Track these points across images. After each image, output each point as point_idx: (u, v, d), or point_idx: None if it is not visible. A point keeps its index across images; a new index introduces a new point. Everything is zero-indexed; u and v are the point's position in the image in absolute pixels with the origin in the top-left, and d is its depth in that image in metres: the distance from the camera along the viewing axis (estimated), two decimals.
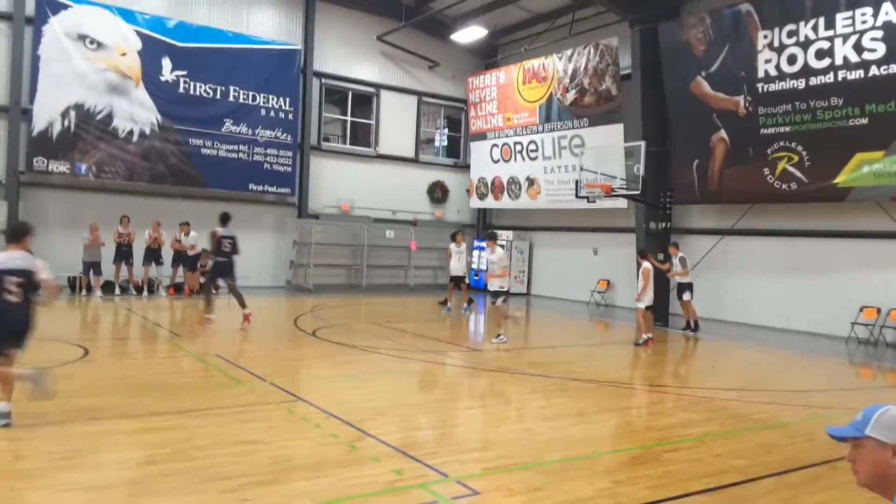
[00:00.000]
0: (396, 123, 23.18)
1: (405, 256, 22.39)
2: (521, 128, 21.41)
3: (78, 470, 4.82)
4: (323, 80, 21.68)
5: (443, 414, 7.14)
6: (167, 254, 17.40)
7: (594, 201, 16.68)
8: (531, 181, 21.11)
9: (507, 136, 22.00)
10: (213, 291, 12.92)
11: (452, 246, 16.58)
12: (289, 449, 5.49)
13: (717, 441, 6.27)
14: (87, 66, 17.30)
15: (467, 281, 17.16)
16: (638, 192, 15.47)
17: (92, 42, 17.32)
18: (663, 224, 16.38)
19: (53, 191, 17.30)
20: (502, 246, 17.25)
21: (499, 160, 22.37)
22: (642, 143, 15.56)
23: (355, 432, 5.95)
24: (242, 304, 12.35)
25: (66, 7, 17.04)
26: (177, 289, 17.57)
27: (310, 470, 4.99)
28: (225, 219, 12.76)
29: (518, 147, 21.58)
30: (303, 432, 5.99)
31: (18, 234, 6.14)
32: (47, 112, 16.80)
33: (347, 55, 22.06)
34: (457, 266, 16.43)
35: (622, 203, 17.28)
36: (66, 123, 17.02)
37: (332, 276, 21.25)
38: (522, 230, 22.73)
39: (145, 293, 16.98)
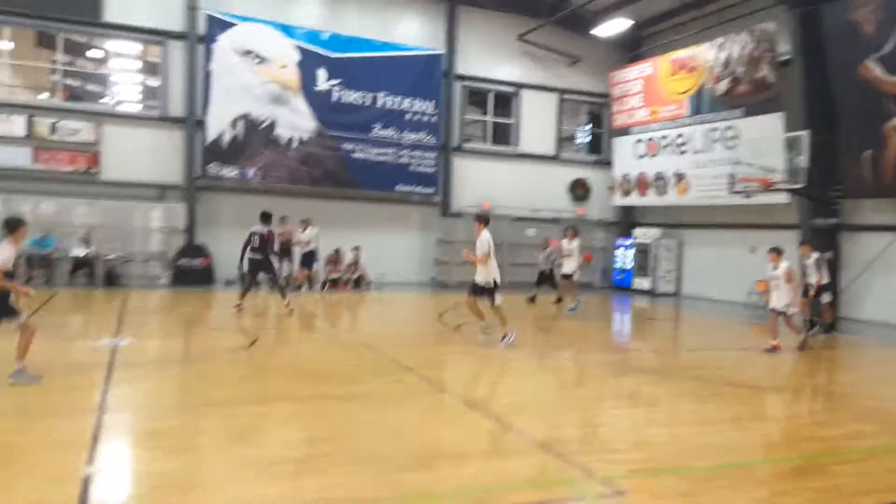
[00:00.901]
0: (537, 121, 23.14)
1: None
2: (668, 121, 20.57)
3: (249, 446, 5.30)
4: (464, 83, 22.10)
5: (587, 412, 7.08)
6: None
7: (750, 196, 15.68)
8: (679, 176, 20.22)
9: (653, 130, 21.23)
10: (252, 285, 13.62)
11: (564, 242, 15.87)
12: (437, 437, 5.71)
13: (890, 455, 5.73)
14: (253, 79, 18.82)
15: (576, 279, 16.34)
16: (801, 186, 14.36)
17: (256, 56, 18.81)
18: (831, 220, 15.09)
19: (225, 194, 18.98)
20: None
21: (644, 155, 21.63)
22: (805, 133, 14.42)
23: (499, 425, 6.07)
24: (282, 296, 13.09)
25: (232, 25, 18.65)
26: (332, 283, 18.63)
27: (457, 458, 5.16)
28: (263, 217, 13.49)
29: (665, 141, 20.75)
30: (450, 422, 6.20)
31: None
32: (219, 122, 18.49)
33: (489, 57, 22.32)
34: (569, 263, 15.73)
35: (782, 198, 16.11)
36: (235, 132, 18.65)
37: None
38: (670, 228, 21.84)
39: (305, 288, 18.19)
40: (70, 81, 19.46)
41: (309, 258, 17.68)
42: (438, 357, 9.90)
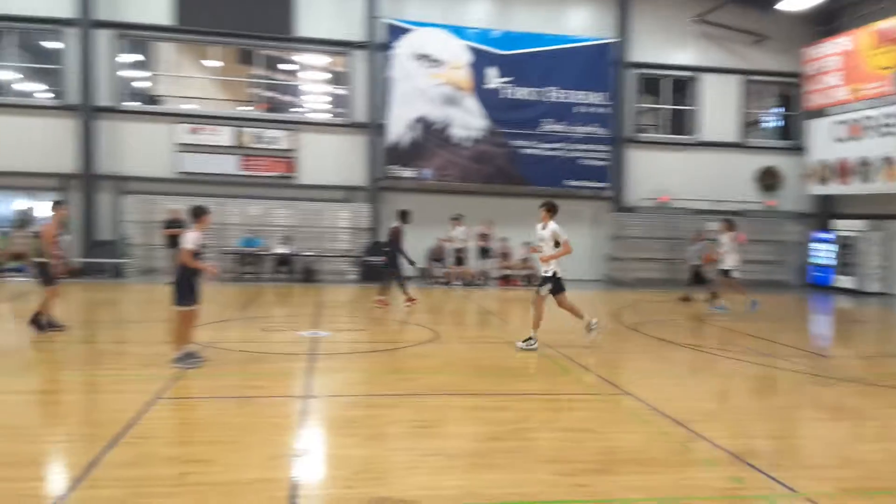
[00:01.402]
0: (718, 106, 21.78)
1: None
2: (873, 100, 18.41)
3: (434, 438, 5.57)
4: (638, 70, 21.33)
5: (784, 423, 6.59)
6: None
7: None
8: (889, 161, 18.04)
9: (855, 110, 19.12)
10: (393, 281, 13.77)
11: (725, 237, 14.42)
12: (618, 441, 5.62)
13: None
14: (428, 82, 19.57)
15: (736, 275, 14.86)
16: None
17: (431, 60, 19.54)
18: None
19: (404, 193, 19.93)
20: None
21: (845, 139, 19.55)
22: None
23: (685, 432, 5.84)
24: (383, 292, 13.40)
25: (409, 31, 19.50)
26: (505, 280, 18.89)
27: (640, 465, 5.05)
28: (400, 214, 13.80)
29: (869, 122, 18.60)
30: (631, 426, 6.07)
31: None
32: (398, 126, 19.47)
33: (663, 42, 21.37)
34: (728, 259, 14.30)
35: None
36: (412, 135, 19.54)
37: (650, 270, 20.86)
38: (877, 219, 19.55)
39: (477, 282, 18.64)
40: (268, 94, 21.47)
41: (461, 255, 18.11)
42: (616, 357, 9.70)
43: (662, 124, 22.34)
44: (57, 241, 9.69)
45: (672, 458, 5.22)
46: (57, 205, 10.06)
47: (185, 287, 7.57)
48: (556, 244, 9.38)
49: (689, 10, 20.88)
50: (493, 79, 19.97)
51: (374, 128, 19.67)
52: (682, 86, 21.97)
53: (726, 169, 21.59)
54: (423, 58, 19.54)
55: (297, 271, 18.67)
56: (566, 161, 20.47)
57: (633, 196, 21.19)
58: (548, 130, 20.35)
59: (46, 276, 9.60)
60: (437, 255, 18.99)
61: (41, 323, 9.51)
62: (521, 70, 20.07)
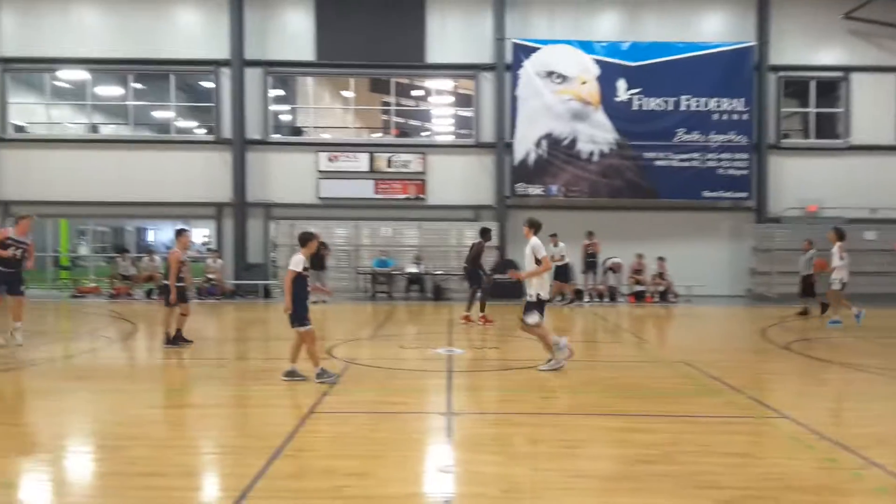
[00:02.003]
0: (873, 107, 20.11)
1: (891, 261, 19.09)
2: None
3: (582, 459, 5.46)
4: (780, 74, 20.13)
5: None
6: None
7: None
8: None
9: None
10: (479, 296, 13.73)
11: (834, 247, 13.16)
12: (782, 468, 5.25)
13: None
14: (554, 99, 19.53)
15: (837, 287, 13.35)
16: None
17: (558, 76, 19.49)
18: None
19: (531, 211, 19.84)
20: None
21: None
22: None
23: (856, 458, 5.36)
24: (480, 308, 13.40)
25: (535, 50, 19.58)
26: (637, 297, 18.31)
27: (810, 493, 4.69)
28: (481, 233, 13.75)
29: None
30: (794, 452, 5.66)
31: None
32: (524, 144, 19.55)
33: (808, 42, 20.08)
34: (837, 270, 13.06)
35: None
36: (539, 152, 19.53)
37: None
38: None
39: (606, 299, 18.22)
40: (399, 119, 22.32)
41: (563, 272, 17.68)
42: (768, 377, 9.11)
43: (809, 129, 20.88)
44: (181, 266, 10.55)
45: (844, 487, 4.82)
46: (180, 232, 10.97)
47: (300, 309, 7.79)
48: (538, 262, 8.69)
49: (835, 9, 19.50)
50: (623, 91, 19.59)
51: (500, 147, 19.85)
52: (828, 88, 20.48)
53: (882, 174, 19.82)
54: (550, 75, 19.53)
55: (428, 290, 19.11)
56: (703, 171, 19.63)
57: (777, 206, 19.91)
58: (682, 141, 19.63)
59: (169, 297, 10.49)
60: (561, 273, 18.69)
61: (172, 339, 10.44)
62: (652, 80, 19.56)
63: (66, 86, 22.46)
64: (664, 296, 18.26)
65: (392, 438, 5.93)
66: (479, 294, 13.85)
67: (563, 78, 19.53)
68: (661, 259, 18.52)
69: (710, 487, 4.76)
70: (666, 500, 4.57)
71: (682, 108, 19.68)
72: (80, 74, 21.18)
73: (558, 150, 19.58)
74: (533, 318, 8.60)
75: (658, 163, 19.63)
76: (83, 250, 25.72)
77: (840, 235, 13.33)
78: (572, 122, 19.56)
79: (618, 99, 19.61)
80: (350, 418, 6.67)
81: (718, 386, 8.04)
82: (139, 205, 20.17)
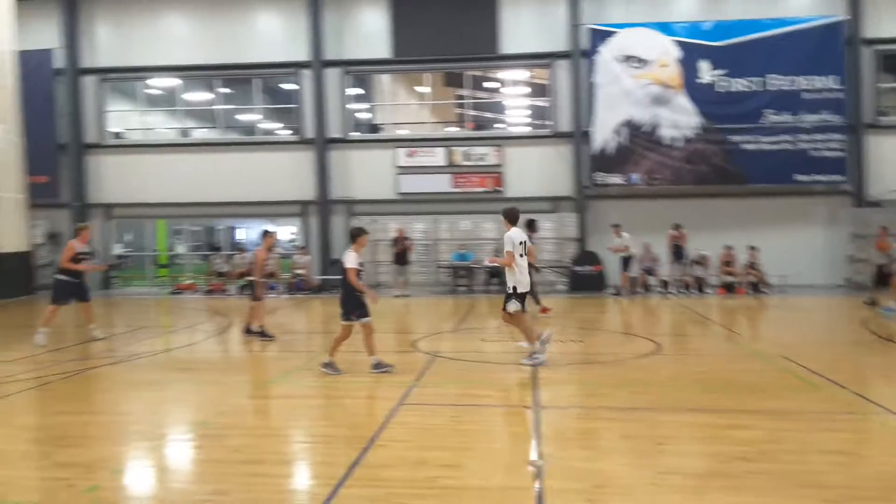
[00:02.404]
0: None
1: None
2: None
3: (673, 455, 5.33)
4: (876, 47, 18.92)
5: None
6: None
7: None
8: None
9: None
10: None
11: None
12: (890, 466, 4.98)
13: None
14: (633, 84, 19.04)
15: None
16: None
17: (636, 60, 19.00)
18: None
19: (610, 201, 19.55)
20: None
21: None
22: None
23: None
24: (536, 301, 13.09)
25: (612, 34, 19.14)
26: (728, 288, 17.65)
27: None
28: (527, 224, 13.11)
29: None
30: None
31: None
32: (603, 132, 19.16)
33: None
34: None
35: None
36: (618, 139, 19.10)
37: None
38: None
39: (693, 291, 17.67)
40: (474, 112, 22.31)
41: (626, 263, 17.27)
42: (871, 371, 8.63)
43: None
44: (267, 264, 11.28)
45: None
46: (266, 233, 11.50)
47: (351, 303, 8.10)
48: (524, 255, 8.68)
49: None
50: (706, 73, 18.88)
51: (578, 136, 19.54)
52: None
53: None
54: (629, 59, 19.05)
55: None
56: (794, 154, 18.69)
57: (876, 188, 18.75)
58: (771, 122, 18.75)
59: (254, 292, 11.12)
60: (650, 262, 18.25)
61: (253, 331, 11.09)
62: (737, 60, 18.77)
63: (158, 93, 23.66)
64: (756, 287, 17.51)
65: (480, 431, 5.99)
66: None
67: (642, 62, 19.01)
68: (752, 248, 17.76)
69: (814, 486, 4.58)
70: (767, 498, 4.42)
71: (770, 87, 18.78)
72: (171, 81, 22.25)
73: (639, 137, 19.09)
74: (512, 306, 8.59)
75: (746, 146, 18.82)
76: (180, 249, 27.08)
77: None
78: (653, 107, 19.01)
79: (700, 81, 18.91)
80: (438, 410, 6.77)
81: (818, 380, 7.67)
82: (229, 204, 21.03)
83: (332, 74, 20.48)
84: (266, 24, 20.87)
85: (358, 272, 8.19)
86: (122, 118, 22.96)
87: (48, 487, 4.73)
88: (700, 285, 17.82)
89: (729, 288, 17.61)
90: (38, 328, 10.78)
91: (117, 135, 22.28)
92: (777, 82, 18.75)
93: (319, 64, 20.21)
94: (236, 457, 5.30)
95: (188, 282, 21.33)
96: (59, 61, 20.82)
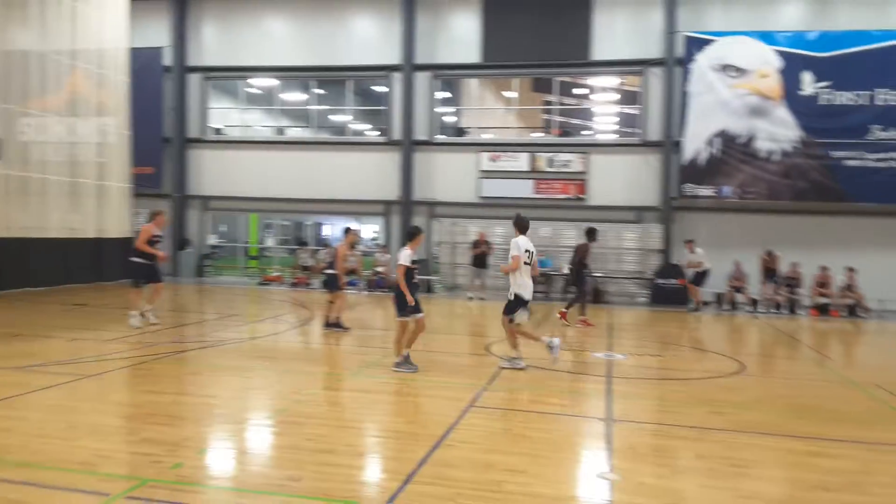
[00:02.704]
0: None
1: None
2: None
3: (752, 479, 5.12)
4: None
5: None
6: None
7: None
8: None
9: None
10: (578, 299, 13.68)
11: None
12: None
13: None
14: (730, 94, 18.37)
15: None
16: None
17: (734, 70, 18.33)
18: None
19: (700, 213, 18.93)
20: None
21: None
22: None
23: None
24: (580, 311, 13.42)
25: (710, 42, 18.53)
26: (821, 310, 16.75)
27: None
28: (587, 233, 13.54)
29: None
30: None
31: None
32: (695, 142, 18.57)
33: None
34: None
35: None
36: (711, 150, 18.48)
37: None
38: None
39: (783, 311, 16.89)
40: (560, 118, 22.11)
41: (700, 278, 16.68)
42: None
43: None
44: (346, 259, 12.07)
45: None
46: (348, 231, 12.03)
47: (404, 300, 8.30)
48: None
49: None
50: (809, 84, 17.99)
51: (668, 145, 19.04)
52: None
53: None
54: (726, 68, 18.40)
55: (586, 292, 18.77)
56: None
57: None
58: (878, 138, 17.67)
59: (334, 285, 11.74)
60: (736, 281, 17.53)
61: (333, 323, 11.68)
62: (842, 72, 17.79)
63: (257, 92, 24.73)
64: (853, 310, 16.55)
65: (549, 439, 5.95)
66: (578, 296, 13.85)
67: (740, 71, 18.31)
68: (850, 270, 16.79)
69: None
70: None
71: (878, 102, 17.70)
72: (270, 81, 23.19)
73: (733, 149, 18.39)
74: (520, 317, 8.78)
75: (849, 162, 17.80)
76: (269, 242, 28.21)
77: None
78: (749, 118, 18.27)
79: (802, 93, 18.03)
80: (508, 415, 6.78)
81: None
82: (317, 201, 21.72)
83: (421, 78, 20.79)
84: (361, 28, 21.43)
85: (410, 270, 8.41)
86: (223, 115, 24.13)
87: (136, 462, 5.04)
88: (792, 305, 17.00)
89: (822, 310, 16.71)
90: (128, 312, 11.45)
91: (217, 130, 23.42)
92: (886, 97, 17.66)
93: (410, 67, 20.57)
94: (311, 445, 5.48)
95: (275, 274, 22.17)
96: (167, 59, 22.08)
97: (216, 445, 5.67)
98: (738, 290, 17.40)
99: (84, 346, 9.73)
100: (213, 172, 22.32)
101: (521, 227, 9.09)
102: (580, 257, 13.71)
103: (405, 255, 8.43)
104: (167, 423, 5.98)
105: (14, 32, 16.65)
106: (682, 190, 18.75)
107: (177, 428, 5.88)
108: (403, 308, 8.35)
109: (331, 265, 12.16)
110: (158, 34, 22.08)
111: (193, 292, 19.15)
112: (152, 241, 11.45)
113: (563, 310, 13.69)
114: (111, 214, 19.29)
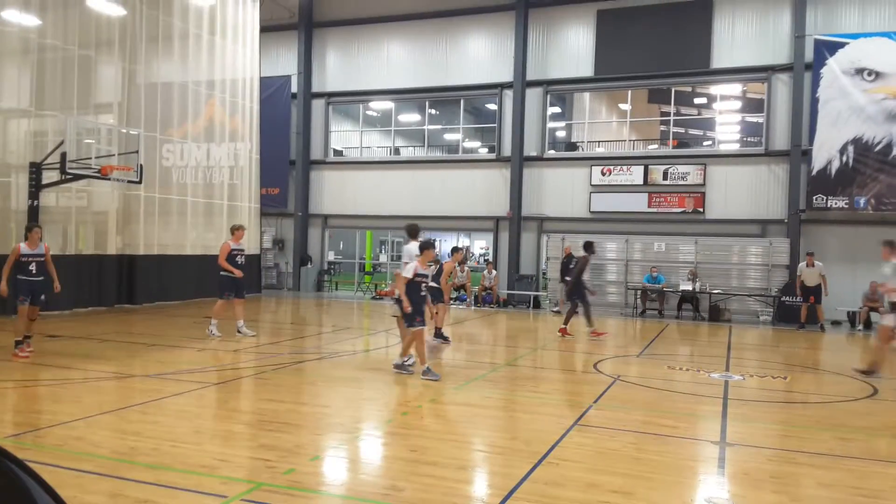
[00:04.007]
0: None
1: None
2: None
3: None
4: None
5: None
6: None
7: None
8: None
9: None
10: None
11: None
12: None
13: None
14: (865, 99, 17.09)
15: None
16: None
17: (869, 73, 17.06)
18: None
19: (830, 226, 17.67)
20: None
21: None
22: None
23: None
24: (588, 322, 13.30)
25: (842, 45, 17.34)
26: None
27: None
28: (586, 246, 13.49)
29: None
30: None
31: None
32: (825, 150, 17.40)
33: None
34: None
35: None
36: (843, 159, 17.23)
37: None
38: None
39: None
40: (677, 129, 21.40)
41: (817, 292, 15.51)
42: None
43: None
44: (454, 275, 12.43)
45: None
46: (456, 250, 12.45)
47: (412, 312, 8.66)
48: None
49: None
50: None
51: (795, 155, 17.93)
52: None
53: None
54: (860, 72, 17.14)
55: (703, 309, 17.97)
56: None
57: None
58: None
59: (438, 298, 11.96)
60: (871, 301, 16.13)
61: (441, 335, 12.11)
62: None
63: (375, 114, 25.72)
64: None
65: (659, 461, 5.75)
66: (579, 308, 13.48)
67: (877, 75, 16.96)
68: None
69: None
70: None
71: None
72: (386, 104, 24.08)
73: (868, 157, 17.04)
74: (413, 325, 8.83)
75: None
76: (383, 258, 29.10)
77: None
78: (888, 124, 16.87)
79: None
80: (616, 435, 6.62)
81: None
82: (429, 218, 22.19)
83: (532, 94, 20.84)
84: (473, 48, 21.81)
85: (413, 282, 8.72)
86: (343, 137, 25.27)
87: (253, 466, 5.35)
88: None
89: None
90: (210, 320, 12.04)
91: (338, 152, 24.54)
92: None
93: (522, 84, 20.68)
94: (415, 456, 5.61)
95: (387, 289, 22.81)
96: (294, 86, 23.45)
97: (327, 453, 5.93)
98: (874, 309, 16.00)
99: (211, 356, 10.47)
100: (332, 192, 23.38)
101: (412, 233, 10.01)
102: (580, 270, 13.47)
103: (410, 268, 8.83)
104: (283, 431, 6.32)
105: (158, 66, 18.34)
106: (811, 201, 17.57)
107: (291, 435, 6.20)
108: (413, 318, 8.72)
109: (434, 278, 12.44)
110: (287, 63, 23.52)
111: (312, 306, 20.08)
112: (233, 256, 11.94)
113: (563, 326, 13.46)
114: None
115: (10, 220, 14.41)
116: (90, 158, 14.13)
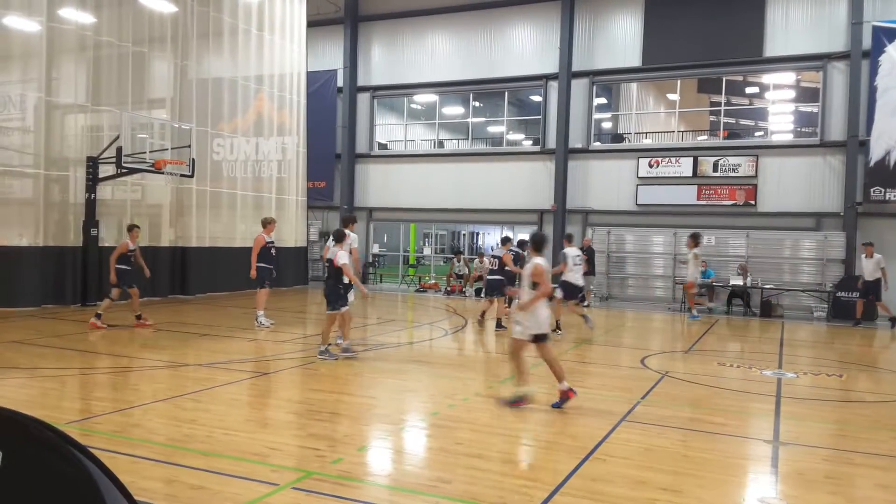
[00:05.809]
0: None
1: None
2: None
3: None
4: None
5: None
6: None
7: None
8: None
9: None
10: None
11: None
12: None
13: None
14: None
15: None
16: None
17: None
18: None
19: (889, 219, 17.03)
20: None
21: None
22: None
23: None
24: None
25: None
26: None
27: None
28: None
29: None
30: None
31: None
32: (884, 141, 16.77)
33: None
34: None
35: None
36: None
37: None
38: None
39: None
40: (728, 119, 20.87)
41: (875, 287, 15.04)
42: None
43: None
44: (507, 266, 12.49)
45: None
46: (505, 240, 12.78)
47: (333, 296, 9.28)
48: None
49: None
50: None
51: (852, 146, 17.31)
52: None
53: None
54: None
55: (754, 305, 17.53)
56: None
57: None
58: None
59: (495, 290, 12.67)
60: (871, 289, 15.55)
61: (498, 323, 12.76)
62: None
63: (419, 107, 25.77)
64: None
65: (709, 459, 5.66)
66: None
67: None
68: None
69: None
70: None
71: None
72: (430, 97, 24.10)
73: None
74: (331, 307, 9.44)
75: None
76: (427, 251, 29.24)
77: None
78: None
79: None
80: (664, 432, 6.53)
81: None
82: (472, 211, 22.21)
83: (578, 85, 20.59)
84: (518, 40, 21.64)
85: (338, 268, 9.23)
86: (388, 130, 25.40)
87: (302, 455, 5.46)
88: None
89: None
90: (257, 312, 12.33)
91: (382, 146, 24.69)
92: None
93: (567, 75, 20.44)
94: (461, 449, 5.64)
95: (432, 281, 22.91)
96: (339, 80, 23.66)
97: (374, 444, 6.01)
98: (879, 298, 15.43)
99: (261, 346, 10.69)
100: (377, 185, 23.56)
101: (350, 223, 10.63)
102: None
103: (341, 256, 9.25)
104: (331, 420, 6.43)
105: (209, 61, 18.73)
106: (868, 194, 16.96)
107: (339, 425, 6.30)
108: (335, 302, 9.27)
109: (493, 272, 12.58)
110: (333, 57, 23.75)
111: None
112: (267, 248, 12.26)
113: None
114: (289, 225, 21.01)
115: (69, 212, 14.94)
116: (144, 153, 14.55)
